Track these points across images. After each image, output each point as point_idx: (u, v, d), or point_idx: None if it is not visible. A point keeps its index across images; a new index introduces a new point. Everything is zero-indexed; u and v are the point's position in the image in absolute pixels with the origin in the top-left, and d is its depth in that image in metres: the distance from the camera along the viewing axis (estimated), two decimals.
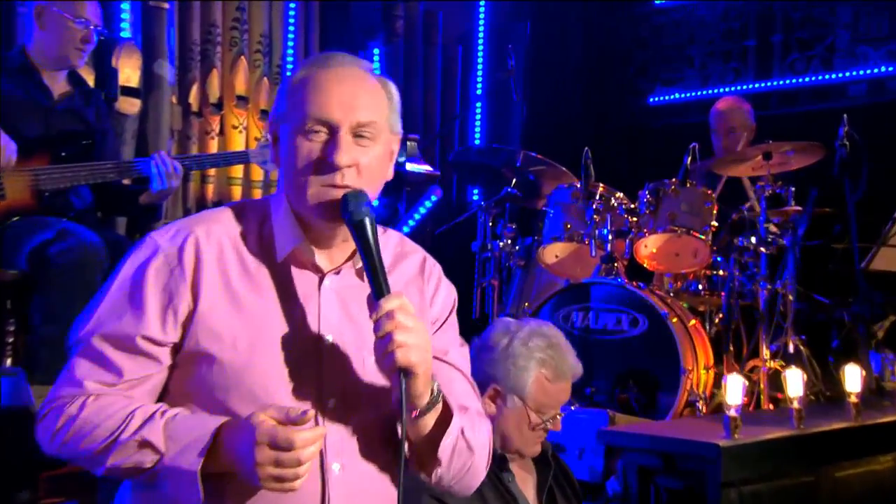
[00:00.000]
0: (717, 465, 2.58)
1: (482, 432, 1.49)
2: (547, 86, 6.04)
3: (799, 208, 3.76)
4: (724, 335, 3.72)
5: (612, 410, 3.31)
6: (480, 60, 5.96)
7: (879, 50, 5.24)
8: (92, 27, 3.13)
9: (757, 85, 5.59)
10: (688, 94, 5.91)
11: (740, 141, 4.40)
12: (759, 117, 4.61)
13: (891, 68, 5.20)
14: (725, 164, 4.04)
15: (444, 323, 1.56)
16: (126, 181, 3.21)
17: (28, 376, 2.71)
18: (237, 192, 4.64)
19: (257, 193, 4.75)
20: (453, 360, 1.53)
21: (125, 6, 4.03)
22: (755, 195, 3.85)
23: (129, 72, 3.89)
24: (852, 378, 3.05)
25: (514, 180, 4.46)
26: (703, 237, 3.81)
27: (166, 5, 4.21)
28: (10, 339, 2.97)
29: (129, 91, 3.92)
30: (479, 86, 5.95)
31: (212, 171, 4.47)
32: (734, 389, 2.60)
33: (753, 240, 3.73)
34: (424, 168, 4.68)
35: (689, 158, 3.94)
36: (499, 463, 2.04)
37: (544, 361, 2.03)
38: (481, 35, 5.97)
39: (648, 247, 3.95)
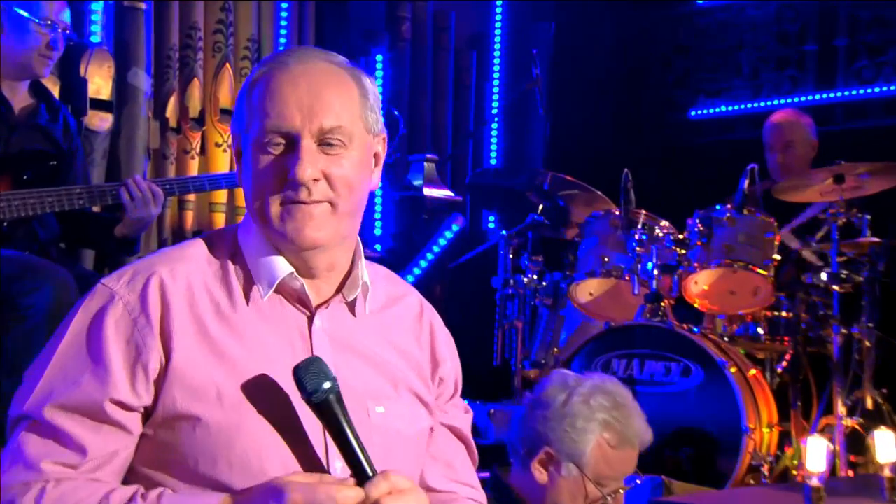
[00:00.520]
0: None
1: None
2: (572, 97, 6.03)
3: (877, 240, 3.72)
4: (790, 388, 3.67)
5: (665, 476, 3.24)
6: (497, 67, 5.97)
7: None
8: (60, 30, 3.11)
9: (818, 96, 5.57)
10: (736, 107, 5.90)
11: (801, 159, 4.38)
12: (820, 133, 4.60)
13: None
14: (788, 189, 4.00)
15: (454, 392, 1.56)
16: (95, 208, 3.18)
17: None
18: (220, 220, 4.61)
19: None
20: (462, 433, 1.56)
21: (96, 6, 4.03)
22: (826, 223, 3.81)
23: (99, 82, 3.86)
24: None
25: (540, 206, 4.43)
26: (763, 272, 3.77)
27: (143, 5, 4.20)
28: None
29: (99, 104, 3.89)
30: (496, 97, 5.94)
31: (191, 196, 4.44)
32: (817, 454, 2.52)
33: (824, 276, 3.69)
34: (444, 193, 4.65)
35: (747, 181, 3.90)
36: None
37: (608, 424, 2.00)
38: (498, 38, 5.98)
39: (699, 283, 3.92)
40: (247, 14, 4.73)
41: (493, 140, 5.95)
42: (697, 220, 3.88)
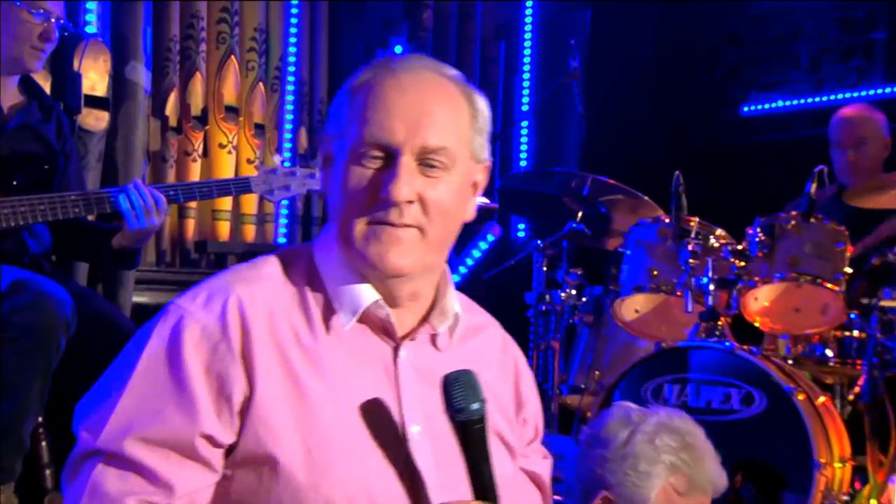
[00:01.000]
0: None
1: None
2: (611, 93, 6.01)
3: None
4: (865, 417, 3.61)
5: None
6: (528, 60, 5.94)
7: None
8: (53, 20, 3.10)
9: (889, 90, 5.51)
10: (794, 103, 5.86)
11: (873, 159, 4.35)
12: (893, 131, 4.57)
13: None
14: (862, 192, 3.96)
15: (535, 436, 1.56)
16: (90, 217, 3.16)
17: None
18: (224, 229, 4.61)
19: (249, 230, 4.73)
20: (541, 480, 1.57)
21: None
22: None
23: (95, 77, 3.84)
24: None
25: (580, 213, 4.39)
26: (834, 287, 3.73)
27: None
28: None
29: (95, 101, 3.86)
30: (527, 92, 5.91)
31: (192, 203, 4.42)
32: None
33: None
34: (480, 200, 4.63)
35: (814, 185, 3.85)
36: None
37: (675, 468, 1.96)
38: (529, 27, 5.95)
39: (760, 300, 3.88)
40: (253, 2, 4.72)
41: (524, 140, 5.92)
42: (758, 229, 3.84)
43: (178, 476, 1.31)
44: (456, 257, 4.62)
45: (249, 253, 4.69)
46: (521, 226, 5.69)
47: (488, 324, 1.57)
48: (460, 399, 1.29)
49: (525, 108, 5.84)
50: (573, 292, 4.30)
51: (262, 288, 1.39)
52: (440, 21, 5.52)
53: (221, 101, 4.57)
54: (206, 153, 4.56)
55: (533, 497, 1.55)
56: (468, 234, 4.65)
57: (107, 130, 4.00)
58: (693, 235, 3.84)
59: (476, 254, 4.66)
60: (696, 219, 3.92)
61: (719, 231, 3.94)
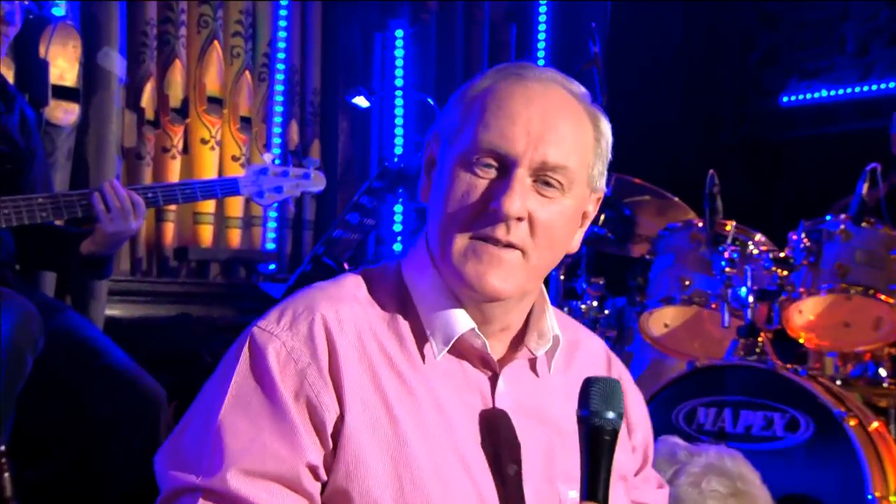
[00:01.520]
0: None
1: None
2: (633, 82, 6.03)
3: None
4: None
5: None
6: (542, 45, 5.96)
7: None
8: (16, 1, 3.11)
9: None
10: (839, 92, 5.88)
11: None
12: None
13: None
14: None
15: (644, 463, 1.58)
16: (58, 222, 3.16)
17: None
18: (206, 234, 4.60)
19: (234, 235, 4.73)
20: None
21: None
22: None
23: (63, 65, 3.85)
24: None
25: (601, 216, 4.40)
26: (888, 300, 3.73)
27: None
28: None
29: (63, 92, 3.87)
30: None
31: (172, 206, 4.41)
32: None
33: None
34: None
35: (866, 185, 3.84)
36: None
37: None
38: (543, 9, 5.98)
39: (805, 313, 3.89)
40: None
41: None
42: (803, 235, 3.85)
43: None
44: None
45: (234, 260, 4.69)
46: None
47: (586, 337, 1.60)
48: (598, 403, 1.32)
49: None
50: (594, 304, 4.33)
51: (349, 307, 1.42)
52: (445, 2, 5.52)
53: (203, 92, 4.57)
54: (186, 149, 4.55)
55: None
56: None
57: (77, 124, 4.00)
58: (729, 241, 3.84)
59: None
60: (733, 222, 3.92)
61: (759, 236, 3.95)
